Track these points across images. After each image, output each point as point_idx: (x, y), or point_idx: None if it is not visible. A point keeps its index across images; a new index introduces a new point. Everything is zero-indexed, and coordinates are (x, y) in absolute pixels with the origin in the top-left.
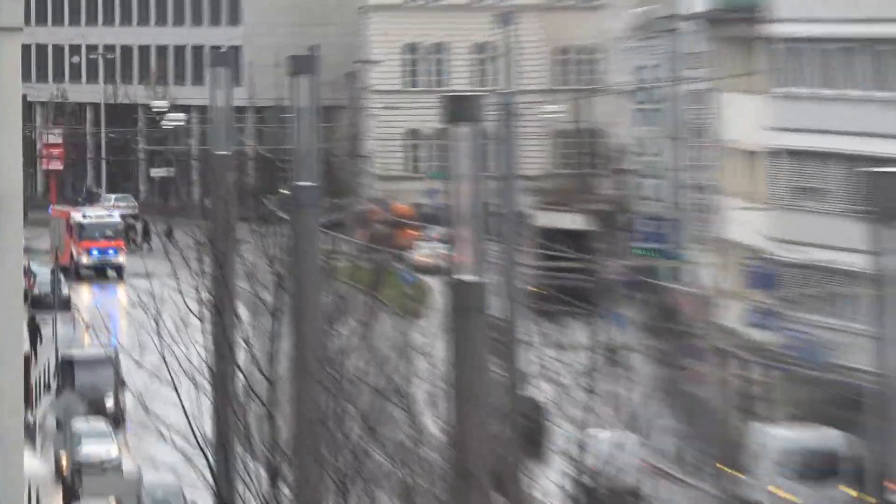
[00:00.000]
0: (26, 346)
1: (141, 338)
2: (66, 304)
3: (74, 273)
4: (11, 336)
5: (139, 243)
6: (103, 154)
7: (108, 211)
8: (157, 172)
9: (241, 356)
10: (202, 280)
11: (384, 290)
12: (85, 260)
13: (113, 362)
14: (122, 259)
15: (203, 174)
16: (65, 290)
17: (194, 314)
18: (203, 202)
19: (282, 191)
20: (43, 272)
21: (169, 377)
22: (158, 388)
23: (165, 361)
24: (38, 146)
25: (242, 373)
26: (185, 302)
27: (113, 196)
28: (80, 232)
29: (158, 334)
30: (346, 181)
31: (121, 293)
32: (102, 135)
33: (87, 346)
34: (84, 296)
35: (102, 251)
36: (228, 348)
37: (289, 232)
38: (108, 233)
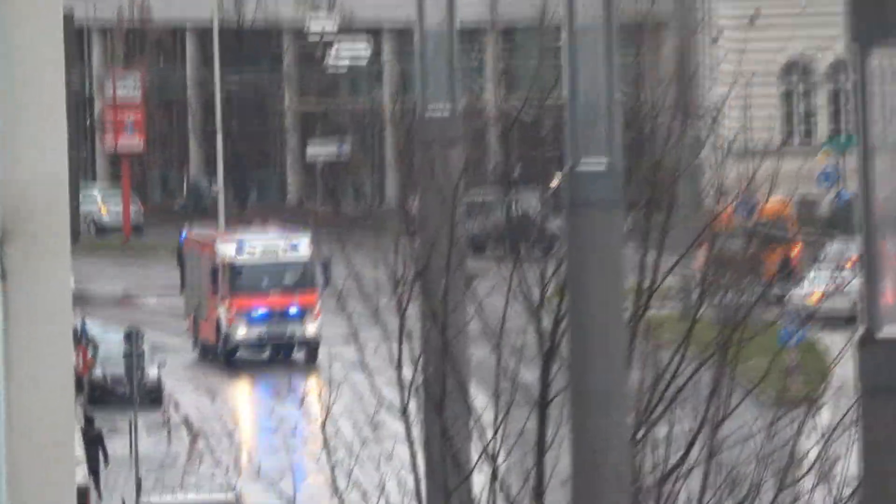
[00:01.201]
0: (81, 475)
1: (301, 453)
2: (153, 396)
3: (224, 356)
4: (55, 453)
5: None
6: (217, 121)
7: (285, 236)
8: (316, 150)
9: (480, 483)
10: (405, 348)
11: (745, 357)
12: (242, 332)
13: None
14: (313, 328)
15: (405, 153)
16: (152, 372)
17: (391, 409)
18: (405, 204)
19: (551, 181)
20: (110, 340)
21: None
22: None
23: (339, 497)
24: (99, 108)
25: None
26: (374, 388)
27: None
28: (231, 279)
29: (325, 449)
30: (669, 159)
31: (312, 395)
32: (216, 84)
33: (193, 484)
34: (239, 401)
35: (273, 315)
36: (456, 471)
37: (565, 253)
38: (286, 278)
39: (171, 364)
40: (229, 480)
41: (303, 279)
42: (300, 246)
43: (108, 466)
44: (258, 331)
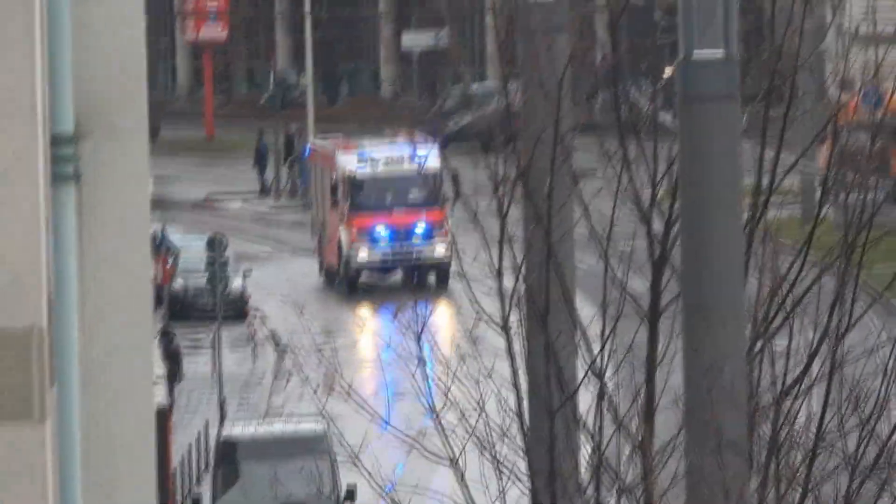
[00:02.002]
0: (160, 394)
1: (394, 371)
2: (237, 308)
3: (346, 284)
4: (131, 369)
5: None
6: (306, 7)
7: (410, 145)
8: (413, 40)
9: (586, 402)
10: (507, 255)
11: (871, 262)
12: (363, 254)
13: (324, 444)
14: (442, 248)
15: (506, 42)
16: (235, 282)
17: (491, 322)
18: (504, 99)
19: (664, 69)
20: (191, 248)
21: (449, 449)
22: (421, 468)
23: (436, 417)
24: None
25: (595, 436)
26: (473, 298)
27: None
28: (352, 194)
29: (421, 364)
30: (789, 47)
31: (446, 323)
32: None
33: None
34: (328, 315)
35: (398, 234)
36: (560, 388)
37: (677, 150)
38: (410, 193)
39: (258, 274)
40: (317, 402)
41: (430, 194)
42: (427, 156)
43: (180, 384)
44: (381, 252)
